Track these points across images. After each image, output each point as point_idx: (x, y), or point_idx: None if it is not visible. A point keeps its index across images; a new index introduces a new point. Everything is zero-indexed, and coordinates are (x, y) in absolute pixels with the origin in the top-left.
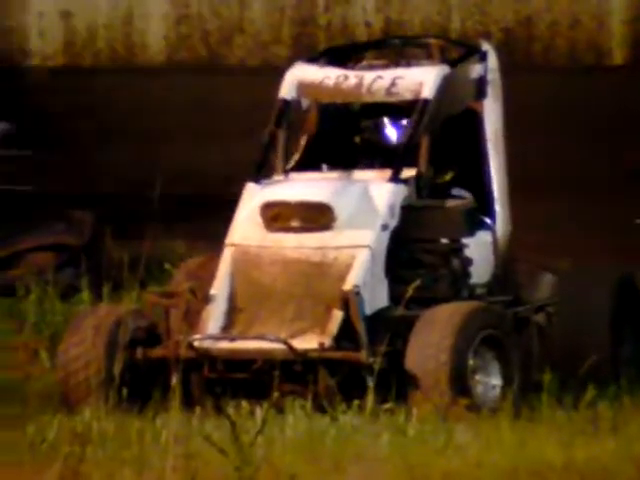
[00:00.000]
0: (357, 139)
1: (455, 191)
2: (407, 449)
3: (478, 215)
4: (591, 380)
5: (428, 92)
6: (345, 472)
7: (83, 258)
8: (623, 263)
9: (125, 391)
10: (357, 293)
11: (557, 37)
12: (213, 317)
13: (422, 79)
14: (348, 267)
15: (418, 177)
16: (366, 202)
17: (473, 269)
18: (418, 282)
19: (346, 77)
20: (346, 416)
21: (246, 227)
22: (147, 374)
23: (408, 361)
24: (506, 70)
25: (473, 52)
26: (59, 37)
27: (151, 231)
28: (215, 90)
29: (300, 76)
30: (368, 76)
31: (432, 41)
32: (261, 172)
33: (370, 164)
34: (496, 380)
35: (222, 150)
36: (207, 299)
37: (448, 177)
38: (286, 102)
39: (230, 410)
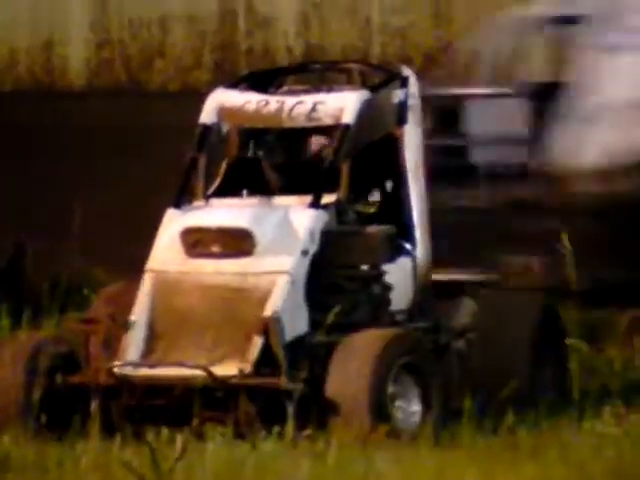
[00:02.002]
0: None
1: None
2: (327, 476)
3: (398, 241)
4: (511, 406)
5: (348, 117)
6: None
7: (1, 284)
8: None
9: (44, 418)
10: (277, 319)
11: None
12: (133, 344)
13: (342, 104)
14: (268, 293)
15: (338, 203)
16: (286, 228)
17: (393, 295)
18: (338, 308)
19: (267, 102)
20: (266, 443)
21: (166, 253)
22: (67, 401)
23: (328, 388)
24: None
25: (394, 77)
26: None
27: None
28: (136, 115)
29: (221, 101)
30: (289, 101)
31: (353, 66)
32: (182, 197)
33: (291, 190)
34: (416, 406)
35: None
36: (127, 325)
37: (372, 210)
38: (207, 127)
39: (150, 437)
